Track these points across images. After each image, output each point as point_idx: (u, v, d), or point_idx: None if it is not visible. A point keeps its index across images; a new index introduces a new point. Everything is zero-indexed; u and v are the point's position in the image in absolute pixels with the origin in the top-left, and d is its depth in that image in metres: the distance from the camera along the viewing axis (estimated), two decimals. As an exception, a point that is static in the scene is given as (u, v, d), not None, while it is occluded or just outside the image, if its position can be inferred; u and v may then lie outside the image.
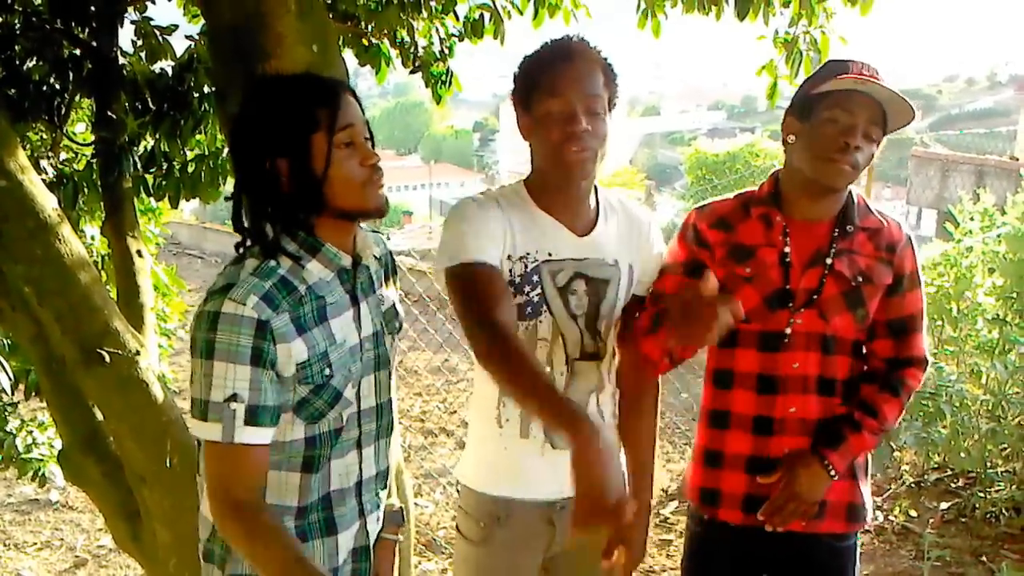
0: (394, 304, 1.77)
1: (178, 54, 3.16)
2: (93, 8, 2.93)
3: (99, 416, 2.51)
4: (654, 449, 2.07)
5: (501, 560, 1.98)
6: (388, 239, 1.95)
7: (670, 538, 4.27)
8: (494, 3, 3.44)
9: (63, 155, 3.43)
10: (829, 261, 1.91)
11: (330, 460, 1.65)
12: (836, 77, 1.83)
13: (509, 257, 1.84)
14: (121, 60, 3.07)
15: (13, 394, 3.18)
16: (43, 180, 2.79)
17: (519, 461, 1.94)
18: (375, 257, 1.73)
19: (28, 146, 3.26)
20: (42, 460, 3.67)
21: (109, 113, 2.94)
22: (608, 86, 1.81)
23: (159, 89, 3.07)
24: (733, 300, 1.63)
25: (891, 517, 4.27)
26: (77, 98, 3.19)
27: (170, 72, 3.13)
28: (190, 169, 3.14)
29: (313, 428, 1.60)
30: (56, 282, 2.18)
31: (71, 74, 2.99)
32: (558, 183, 1.85)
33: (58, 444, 3.01)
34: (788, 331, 1.92)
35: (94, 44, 2.97)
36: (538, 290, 1.86)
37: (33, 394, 3.19)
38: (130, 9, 3.09)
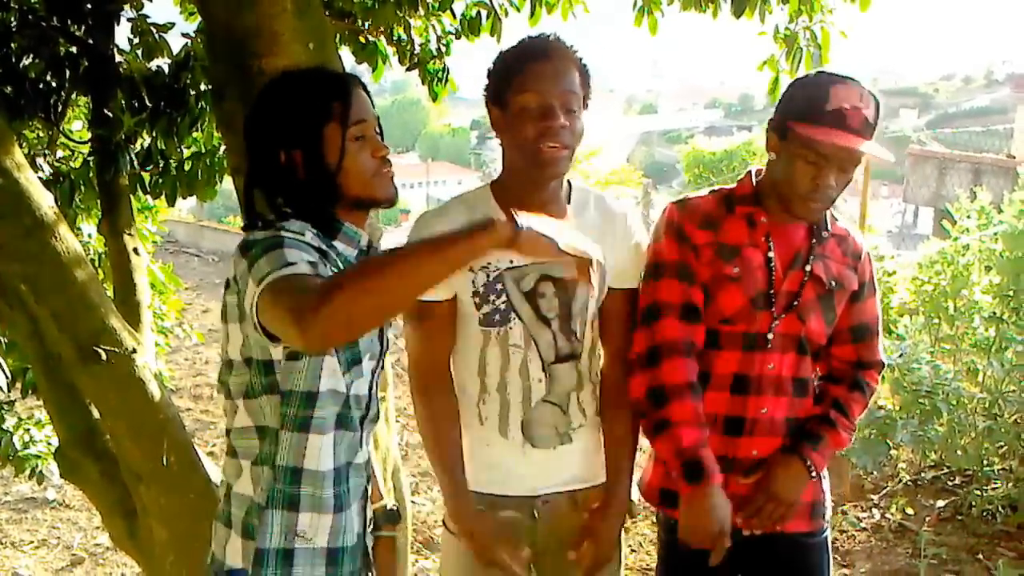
0: None
1: (175, 52, 3.15)
2: (89, 5, 2.93)
3: (96, 414, 2.50)
4: (634, 448, 2.04)
5: (488, 554, 1.96)
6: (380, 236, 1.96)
7: (667, 536, 4.27)
8: (491, 1, 3.44)
9: (60, 153, 3.43)
10: (808, 267, 1.92)
11: (346, 430, 1.66)
12: (817, 126, 1.77)
13: (471, 268, 1.84)
14: (118, 58, 3.07)
15: (10, 392, 3.18)
16: (40, 178, 2.80)
17: (500, 458, 1.95)
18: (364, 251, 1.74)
19: (25, 144, 3.26)
20: (39, 458, 3.67)
21: (106, 111, 2.94)
22: (583, 85, 1.81)
23: (156, 87, 3.06)
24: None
25: (888, 515, 4.28)
26: (74, 96, 3.19)
27: (166, 70, 3.12)
28: (187, 167, 3.15)
29: (347, 381, 1.62)
30: (52, 280, 2.18)
31: (67, 72, 2.99)
32: (529, 180, 1.83)
33: (55, 442, 3.01)
34: (770, 334, 1.92)
35: (90, 42, 2.97)
36: (503, 298, 1.86)
37: (30, 392, 3.19)
38: (126, 7, 3.09)
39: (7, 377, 2.98)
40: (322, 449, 1.63)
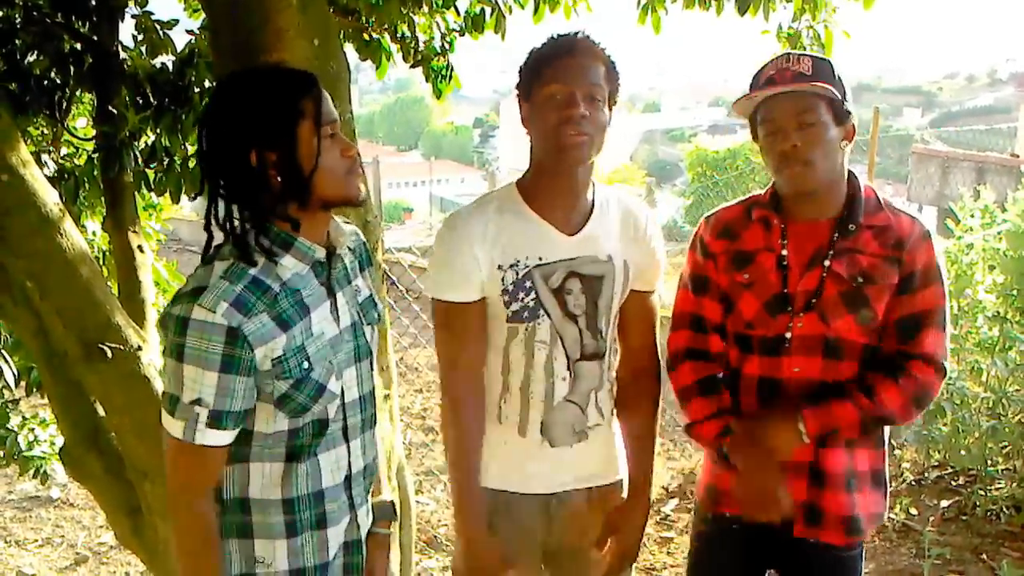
0: (371, 295, 1.78)
1: (179, 49, 3.15)
2: (94, 2, 2.93)
3: (101, 411, 2.50)
4: (653, 447, 2.07)
5: (505, 551, 1.99)
6: (366, 231, 1.96)
7: (671, 535, 4.26)
8: (495, -2, 3.44)
9: (64, 150, 3.43)
10: (827, 263, 1.88)
11: (318, 454, 1.66)
12: (747, 97, 1.88)
13: (499, 267, 1.86)
14: (122, 55, 3.06)
15: (16, 388, 3.17)
16: (44, 175, 2.79)
17: (518, 457, 1.97)
18: (349, 249, 1.74)
19: (29, 141, 3.26)
20: (43, 458, 3.66)
21: (110, 108, 2.94)
22: (610, 80, 1.83)
23: (160, 84, 3.06)
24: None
25: (891, 515, 4.27)
26: (78, 93, 3.19)
27: (171, 67, 3.12)
28: (191, 164, 3.14)
29: (296, 420, 1.61)
30: (58, 277, 2.18)
31: (72, 69, 2.99)
32: (554, 171, 1.85)
33: (59, 441, 3.01)
34: (788, 335, 1.90)
35: (95, 39, 2.97)
36: (532, 295, 1.88)
37: (35, 390, 3.19)
38: (131, 3, 3.09)
39: (14, 374, 2.98)
40: (265, 479, 1.63)
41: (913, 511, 4.30)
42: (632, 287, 1.97)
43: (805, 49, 3.30)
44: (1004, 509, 4.16)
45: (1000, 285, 4.78)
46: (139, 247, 2.91)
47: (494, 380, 1.95)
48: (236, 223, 1.55)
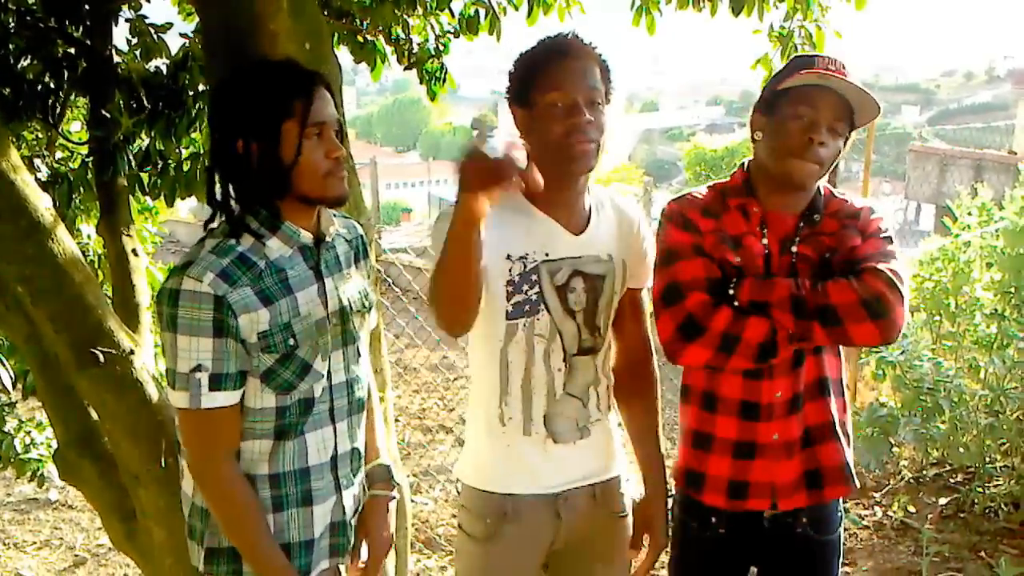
0: (364, 286, 1.86)
1: (173, 52, 3.15)
2: (87, 6, 2.92)
3: (94, 416, 2.50)
4: (659, 435, 2.11)
5: (509, 556, 2.00)
6: (364, 228, 1.98)
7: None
8: (489, 0, 3.44)
9: (58, 154, 3.42)
10: (795, 248, 1.94)
11: (305, 433, 1.73)
12: (799, 73, 1.85)
13: (508, 257, 1.87)
14: (116, 58, 3.05)
15: (13, 391, 3.17)
16: (38, 179, 2.79)
17: (523, 457, 1.96)
18: (345, 240, 1.83)
19: (23, 145, 3.26)
20: (40, 460, 3.67)
21: (104, 112, 2.93)
22: (604, 80, 1.85)
23: (154, 87, 3.05)
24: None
25: (890, 513, 4.28)
26: (72, 97, 3.17)
27: (165, 70, 3.11)
28: (185, 167, 3.13)
29: (284, 398, 1.69)
30: (49, 282, 2.17)
31: (65, 73, 2.98)
32: (558, 177, 1.84)
33: (56, 444, 3.00)
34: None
35: (88, 43, 2.96)
36: (536, 288, 1.89)
37: (31, 394, 3.19)
38: (124, 7, 3.08)
39: (11, 377, 2.98)
40: (253, 455, 1.71)
41: (911, 509, 4.30)
42: (628, 285, 2.01)
43: (796, 49, 3.30)
44: (1002, 506, 4.17)
45: (998, 283, 4.79)
46: (133, 251, 2.90)
47: (491, 388, 1.95)
48: (230, 202, 1.67)
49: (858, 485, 2.08)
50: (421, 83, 3.65)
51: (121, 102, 3.00)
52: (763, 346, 1.86)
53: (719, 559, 2.09)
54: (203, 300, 1.57)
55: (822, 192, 1.99)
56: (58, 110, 3.07)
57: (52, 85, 3.00)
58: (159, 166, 3.12)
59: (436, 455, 5.54)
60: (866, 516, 4.29)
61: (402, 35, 3.47)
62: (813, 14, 3.31)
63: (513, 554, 2.00)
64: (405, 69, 3.58)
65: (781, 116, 1.87)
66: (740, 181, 2.00)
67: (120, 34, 3.08)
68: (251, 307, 1.61)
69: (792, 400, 1.95)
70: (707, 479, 2.02)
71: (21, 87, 2.90)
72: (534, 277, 1.88)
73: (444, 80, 3.64)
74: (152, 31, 3.12)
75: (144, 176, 3.13)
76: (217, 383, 1.61)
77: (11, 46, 2.89)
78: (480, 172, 1.50)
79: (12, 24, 2.89)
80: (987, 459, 4.36)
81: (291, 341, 1.66)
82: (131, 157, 2.99)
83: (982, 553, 3.87)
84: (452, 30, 3.57)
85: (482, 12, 3.46)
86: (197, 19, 2.96)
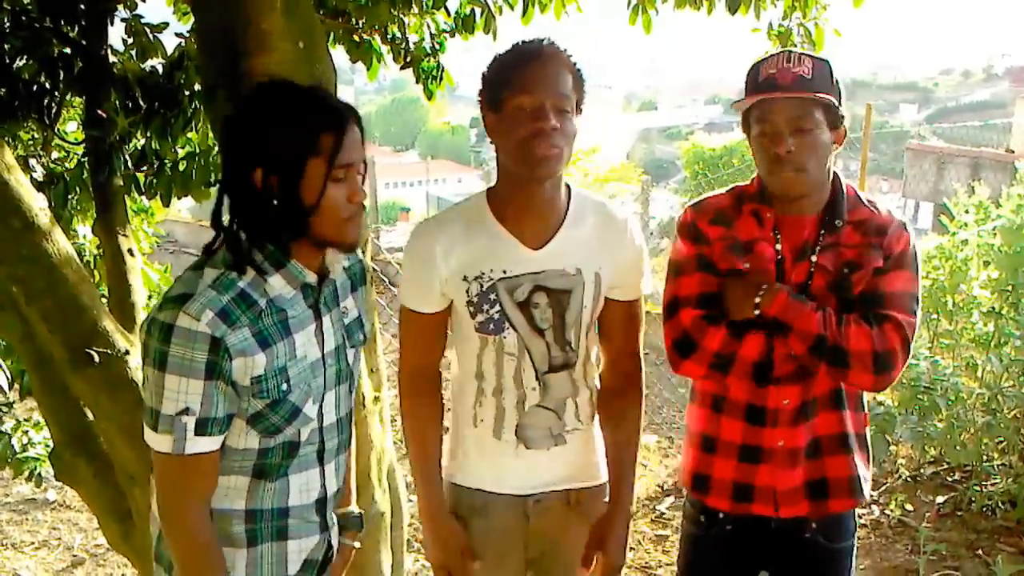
0: (359, 316, 1.76)
1: (168, 52, 3.14)
2: (83, 6, 2.92)
3: (90, 416, 2.50)
4: (635, 456, 2.05)
5: (481, 549, 2.01)
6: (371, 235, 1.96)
7: (666, 534, 4.26)
8: (485, -1, 3.44)
9: (54, 154, 3.42)
10: (815, 258, 1.91)
11: (289, 475, 1.65)
12: (748, 96, 1.87)
13: (464, 278, 1.86)
14: (111, 58, 3.05)
15: (10, 391, 3.17)
16: (34, 179, 2.79)
17: (494, 458, 1.97)
18: (344, 268, 1.72)
19: (19, 145, 3.25)
20: (38, 460, 3.66)
21: (99, 112, 2.93)
22: (576, 89, 1.81)
23: (149, 87, 3.05)
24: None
25: (887, 511, 4.27)
26: (68, 97, 3.17)
27: (160, 70, 3.11)
28: (181, 167, 3.13)
29: (268, 440, 1.60)
30: (43, 282, 2.18)
31: (61, 73, 2.97)
32: (523, 183, 1.83)
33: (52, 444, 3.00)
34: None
35: (84, 43, 2.96)
36: (497, 307, 1.87)
37: (28, 394, 3.18)
38: (120, 7, 3.07)
39: (8, 377, 2.97)
40: (230, 491, 1.62)
41: (909, 507, 4.30)
42: (611, 296, 1.95)
43: (796, 47, 3.30)
44: (999, 505, 4.16)
45: (995, 281, 4.79)
46: (129, 250, 2.89)
47: (468, 384, 1.96)
48: (235, 230, 1.54)
49: (867, 499, 2.05)
50: (417, 82, 3.65)
51: (117, 102, 3.00)
52: (759, 365, 1.90)
53: (727, 559, 2.08)
54: (198, 340, 1.44)
55: (845, 193, 1.95)
56: (54, 110, 3.07)
57: (48, 85, 3.00)
58: (155, 166, 3.12)
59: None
60: (863, 515, 4.28)
61: (398, 34, 3.47)
62: (811, 12, 3.31)
63: (486, 548, 2.00)
64: (401, 68, 3.57)
65: (753, 136, 1.89)
66: (756, 186, 1.99)
67: (116, 34, 3.08)
68: (248, 351, 1.49)
69: (800, 408, 1.95)
70: (712, 482, 2.02)
71: (17, 87, 2.90)
72: (492, 296, 1.86)
73: (441, 79, 3.64)
74: (148, 31, 3.12)
75: (140, 176, 3.13)
76: (203, 428, 1.49)
77: (6, 46, 2.89)
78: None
79: (7, 24, 2.89)
80: (984, 457, 4.36)
81: (284, 386, 1.55)
82: (127, 157, 2.99)
83: (979, 551, 3.87)
84: (448, 29, 3.56)
85: (478, 11, 3.46)
86: (192, 19, 2.96)
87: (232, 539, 1.62)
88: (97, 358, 2.21)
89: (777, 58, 1.86)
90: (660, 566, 3.99)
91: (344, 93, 2.47)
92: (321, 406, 1.65)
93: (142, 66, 3.12)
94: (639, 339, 2.04)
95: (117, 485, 2.49)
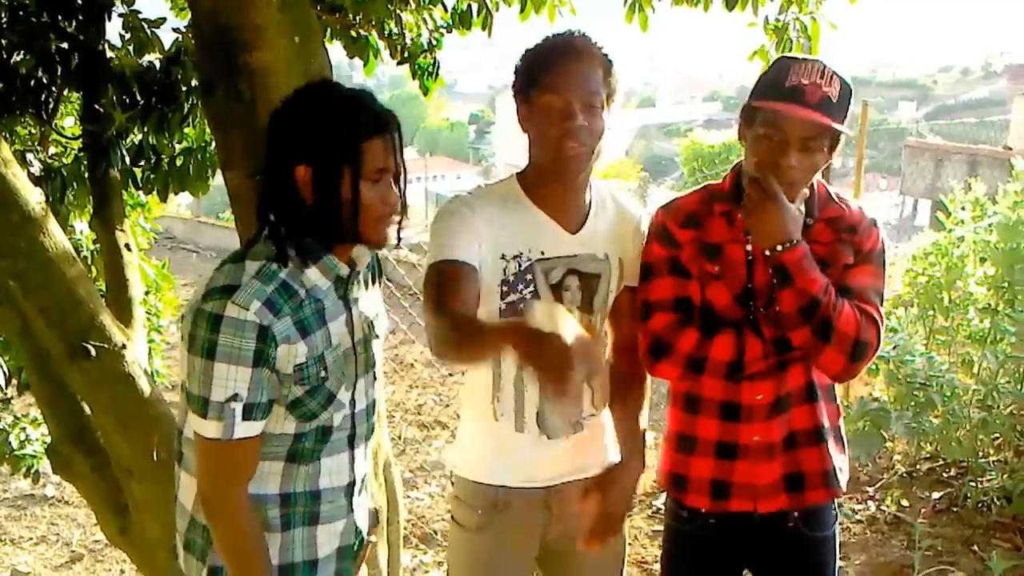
0: (381, 309, 1.82)
1: (166, 47, 3.15)
2: (80, 1, 2.92)
3: (87, 410, 2.50)
4: (644, 418, 2.06)
5: (500, 546, 2.01)
6: None
7: (662, 529, 4.27)
8: (482, -5, 3.44)
9: (51, 149, 3.42)
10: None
11: (321, 459, 1.70)
12: (767, 100, 1.80)
13: (503, 256, 1.87)
14: (109, 53, 3.06)
15: (7, 387, 3.18)
16: (31, 174, 2.79)
17: (515, 452, 1.97)
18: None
19: (16, 140, 3.26)
20: (36, 456, 3.67)
21: (97, 107, 2.93)
22: (607, 82, 1.82)
23: (147, 82, 3.05)
24: None
25: (883, 507, 4.28)
26: (65, 92, 3.18)
27: (158, 65, 3.12)
28: (178, 162, 3.14)
29: (304, 425, 1.65)
30: (40, 276, 2.18)
31: (59, 68, 2.98)
32: (553, 177, 1.86)
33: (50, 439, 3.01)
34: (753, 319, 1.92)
35: (81, 37, 2.96)
36: (531, 288, 1.89)
37: (26, 390, 3.19)
38: (117, 2, 3.08)
39: (5, 373, 2.98)
40: (263, 475, 1.66)
41: (904, 503, 4.31)
42: (626, 283, 2.00)
43: (792, 42, 3.30)
44: (995, 500, 4.17)
45: (991, 277, 4.79)
46: (126, 245, 2.90)
47: (484, 383, 1.96)
48: (277, 223, 1.60)
49: (844, 490, 2.05)
50: (413, 78, 3.65)
51: (114, 97, 3.01)
52: (731, 364, 1.90)
53: (710, 554, 2.09)
54: (247, 329, 1.51)
55: (816, 191, 1.95)
56: (51, 105, 3.07)
57: (45, 80, 3.01)
58: (152, 161, 3.13)
59: (432, 451, 5.55)
60: (859, 510, 4.30)
61: (395, 30, 3.47)
62: (808, 7, 3.31)
63: (504, 545, 2.01)
64: (398, 64, 3.58)
65: (755, 132, 1.85)
66: (729, 185, 1.98)
67: (113, 29, 3.09)
68: (291, 339, 1.56)
69: (775, 403, 1.95)
70: (690, 481, 2.02)
71: (14, 82, 2.90)
72: (529, 276, 1.88)
73: (437, 75, 3.65)
74: (145, 26, 3.12)
75: (137, 171, 3.14)
76: (249, 413, 1.56)
77: (3, 41, 2.89)
78: (558, 363, 1.44)
79: (5, 18, 2.89)
80: (980, 454, 4.37)
81: (323, 373, 1.63)
82: (124, 152, 3.00)
83: (975, 547, 3.88)
84: (445, 25, 3.57)
85: (475, 7, 3.46)
86: (189, 14, 2.97)
87: (267, 524, 1.67)
88: (94, 352, 2.22)
89: (810, 68, 1.80)
90: (656, 561, 4.00)
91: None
92: (353, 393, 1.71)
93: (139, 61, 3.13)
94: None
95: (115, 479, 2.50)
